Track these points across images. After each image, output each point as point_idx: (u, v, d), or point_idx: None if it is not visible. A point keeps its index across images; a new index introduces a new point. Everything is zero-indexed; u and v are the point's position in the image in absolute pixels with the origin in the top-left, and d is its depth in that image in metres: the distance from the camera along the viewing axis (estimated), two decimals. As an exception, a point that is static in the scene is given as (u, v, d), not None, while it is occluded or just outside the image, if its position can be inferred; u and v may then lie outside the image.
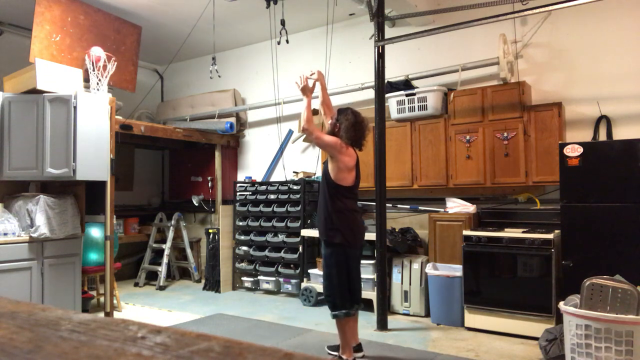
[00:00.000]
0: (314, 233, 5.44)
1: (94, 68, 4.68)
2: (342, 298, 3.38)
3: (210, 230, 6.29)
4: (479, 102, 4.65)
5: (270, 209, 5.86)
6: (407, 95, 4.96)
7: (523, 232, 4.18)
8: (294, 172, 6.02)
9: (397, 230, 5.10)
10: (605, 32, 4.39)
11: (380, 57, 4.52)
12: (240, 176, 6.83)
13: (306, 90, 3.55)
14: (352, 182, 3.45)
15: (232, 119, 6.54)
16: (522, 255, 4.01)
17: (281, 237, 5.75)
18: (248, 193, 6.10)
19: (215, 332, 4.00)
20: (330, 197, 3.40)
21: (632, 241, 3.53)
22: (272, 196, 5.89)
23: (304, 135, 6.11)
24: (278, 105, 6.18)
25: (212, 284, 6.16)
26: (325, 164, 3.56)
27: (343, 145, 3.38)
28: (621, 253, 3.55)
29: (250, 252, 5.98)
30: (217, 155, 6.69)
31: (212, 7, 5.20)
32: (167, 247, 6.49)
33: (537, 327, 3.81)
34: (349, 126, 3.42)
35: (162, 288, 6.29)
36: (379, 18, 4.58)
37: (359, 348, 3.60)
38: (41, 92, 4.21)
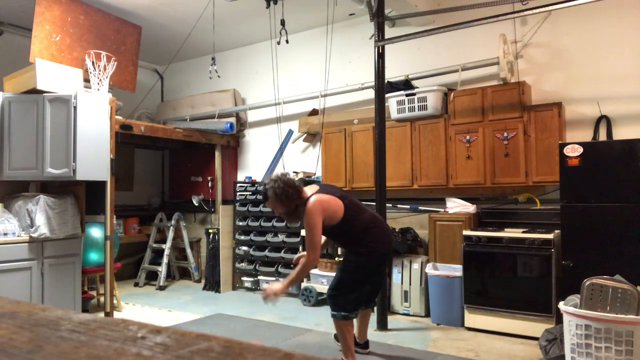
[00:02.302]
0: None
1: (94, 68, 4.68)
2: (347, 301, 3.28)
3: (210, 230, 6.28)
4: (479, 102, 4.65)
5: (270, 209, 5.84)
6: (407, 95, 4.95)
7: (523, 232, 4.18)
8: (294, 172, 6.02)
9: (397, 230, 5.10)
10: (605, 32, 4.39)
11: (380, 57, 4.52)
12: (240, 176, 6.83)
13: (279, 291, 3.16)
14: (343, 208, 3.22)
15: (232, 119, 6.54)
16: (522, 255, 4.01)
17: (281, 237, 5.75)
18: (248, 193, 6.10)
19: (215, 332, 4.00)
20: (346, 228, 3.26)
21: (632, 241, 3.53)
22: (272, 196, 5.88)
23: (304, 135, 6.12)
24: (278, 105, 6.18)
25: (212, 284, 6.16)
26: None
27: (318, 216, 3.11)
28: (621, 253, 3.55)
29: (250, 252, 5.98)
30: (217, 155, 6.69)
31: (212, 7, 5.20)
32: (167, 247, 6.49)
33: (537, 327, 3.81)
34: (285, 193, 3.14)
35: (162, 288, 6.29)
36: (379, 18, 4.57)
37: (365, 345, 3.64)
38: (41, 92, 4.21)
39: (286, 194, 3.14)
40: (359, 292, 3.33)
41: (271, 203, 3.24)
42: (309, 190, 3.28)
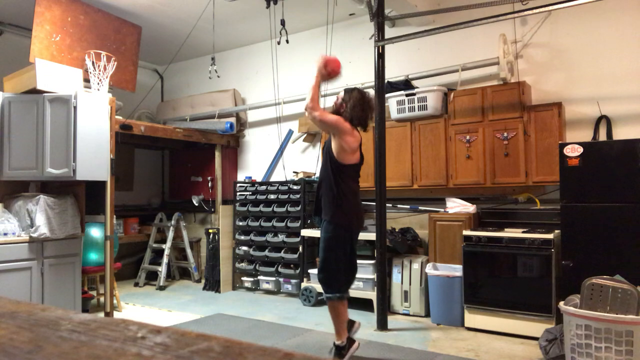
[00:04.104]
0: (314, 233, 5.44)
1: (94, 68, 4.68)
2: (338, 281, 3.34)
3: (210, 230, 6.29)
4: (479, 102, 4.65)
5: (270, 209, 5.86)
6: (407, 95, 4.96)
7: (523, 232, 4.18)
8: (294, 172, 6.02)
9: (397, 230, 5.10)
10: (605, 32, 4.39)
11: (380, 57, 4.52)
12: (240, 176, 6.83)
13: (321, 70, 3.39)
14: (357, 160, 3.41)
15: (232, 119, 6.54)
16: (522, 255, 4.01)
17: (281, 237, 5.75)
18: (248, 193, 6.10)
19: (215, 332, 3.99)
20: (335, 178, 3.33)
21: (632, 241, 3.53)
22: (272, 196, 5.89)
23: (304, 135, 6.11)
24: (278, 105, 6.18)
25: (212, 284, 6.16)
26: (327, 142, 3.47)
27: (347, 125, 3.31)
28: (621, 253, 3.55)
29: (250, 252, 5.98)
30: (217, 155, 6.69)
31: (212, 7, 5.20)
32: (167, 247, 6.49)
33: (537, 327, 3.81)
34: (355, 104, 3.36)
35: (162, 288, 6.29)
36: (379, 18, 4.57)
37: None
38: (41, 92, 4.21)
39: (351, 97, 3.39)
40: (344, 270, 3.39)
41: (346, 97, 3.43)
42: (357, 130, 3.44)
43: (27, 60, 4.58)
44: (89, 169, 4.26)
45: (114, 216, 4.70)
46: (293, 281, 5.61)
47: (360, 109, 3.36)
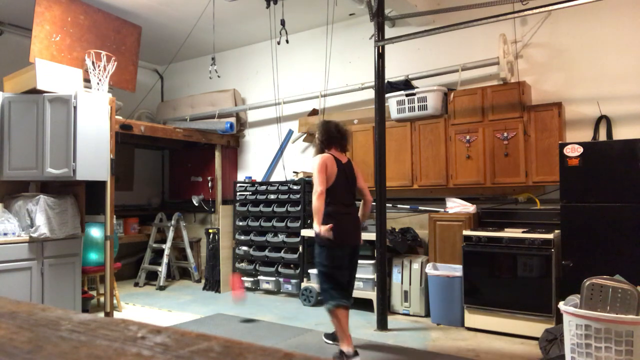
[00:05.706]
0: (313, 233, 5.43)
1: (94, 68, 4.68)
2: (330, 294, 3.57)
3: (210, 230, 6.29)
4: (479, 102, 4.65)
5: (270, 209, 5.86)
6: (407, 95, 4.96)
7: (523, 232, 4.18)
8: (294, 172, 6.02)
9: (397, 230, 5.10)
10: (605, 32, 4.39)
11: (380, 57, 4.52)
12: (240, 176, 6.83)
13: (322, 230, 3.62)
14: (329, 184, 3.59)
15: (232, 119, 6.54)
16: (522, 255, 4.01)
17: (281, 237, 5.74)
18: (248, 193, 6.10)
19: (215, 332, 4.00)
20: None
21: (632, 241, 3.53)
22: (272, 196, 5.89)
23: (304, 135, 6.12)
24: (278, 105, 6.18)
25: (212, 284, 6.16)
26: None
27: (320, 163, 3.58)
28: (621, 253, 3.55)
29: (250, 252, 5.98)
30: (217, 155, 6.69)
31: (212, 7, 5.20)
32: (167, 247, 6.49)
33: (537, 327, 3.81)
34: (319, 133, 3.77)
35: (162, 288, 6.29)
36: (379, 18, 4.57)
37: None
38: (41, 92, 4.21)
39: (320, 132, 3.76)
40: (338, 284, 3.61)
41: (317, 129, 3.83)
42: (336, 152, 3.74)
43: (27, 60, 4.58)
44: (89, 169, 4.26)
45: (114, 216, 4.70)
46: (293, 281, 5.61)
47: (322, 132, 3.75)
